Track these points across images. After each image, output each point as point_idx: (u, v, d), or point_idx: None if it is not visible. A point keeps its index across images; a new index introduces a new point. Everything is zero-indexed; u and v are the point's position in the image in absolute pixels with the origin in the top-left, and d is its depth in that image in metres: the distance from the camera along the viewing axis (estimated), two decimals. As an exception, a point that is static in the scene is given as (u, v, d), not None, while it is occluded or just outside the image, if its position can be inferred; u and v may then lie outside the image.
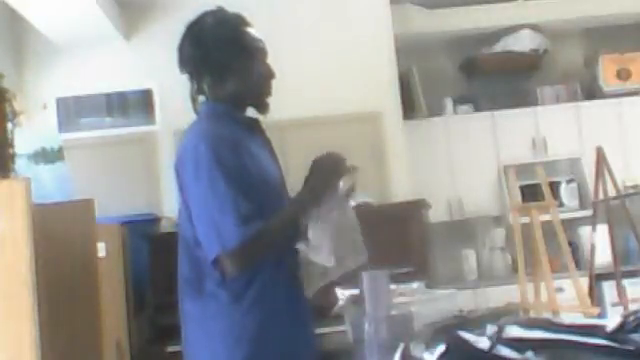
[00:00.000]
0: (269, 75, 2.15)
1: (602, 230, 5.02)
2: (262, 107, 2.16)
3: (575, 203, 5.96)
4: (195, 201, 1.98)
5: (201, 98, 2.14)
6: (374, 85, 5.32)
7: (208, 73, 2.09)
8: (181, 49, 2.12)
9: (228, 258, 1.92)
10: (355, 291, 2.00)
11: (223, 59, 2.07)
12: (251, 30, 2.14)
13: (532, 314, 4.49)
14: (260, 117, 2.19)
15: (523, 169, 5.40)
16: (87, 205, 3.20)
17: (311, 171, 2.07)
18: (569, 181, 6.01)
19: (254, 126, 2.17)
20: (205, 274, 1.98)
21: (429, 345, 1.27)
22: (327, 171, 2.06)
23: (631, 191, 5.52)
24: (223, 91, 2.10)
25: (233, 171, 1.94)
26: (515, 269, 5.07)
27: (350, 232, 2.07)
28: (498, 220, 6.07)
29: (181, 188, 2.03)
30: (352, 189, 2.10)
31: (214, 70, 2.09)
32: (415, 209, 4.79)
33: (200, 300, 2.02)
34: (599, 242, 5.06)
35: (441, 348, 1.21)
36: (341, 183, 2.07)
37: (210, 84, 2.10)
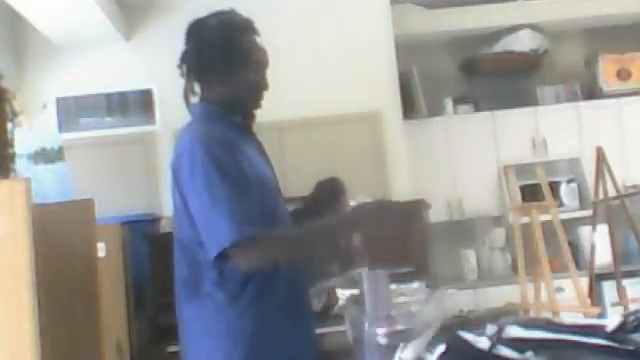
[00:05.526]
0: (260, 86, 2.13)
1: (602, 230, 5.02)
2: (247, 116, 2.16)
3: (575, 203, 5.96)
4: (193, 202, 1.98)
5: (195, 98, 2.14)
6: (374, 85, 5.33)
7: (199, 74, 2.10)
8: (184, 47, 2.13)
9: (232, 254, 1.90)
10: (355, 291, 2.00)
11: (213, 63, 2.07)
12: (251, 38, 2.12)
13: (532, 314, 4.49)
14: (256, 117, 2.19)
15: (523, 169, 5.40)
16: (87, 205, 3.20)
17: (360, 212, 2.03)
18: (569, 181, 6.01)
19: (245, 128, 2.17)
20: (202, 275, 1.98)
21: (429, 345, 1.27)
22: (375, 223, 2.01)
23: (631, 191, 5.52)
24: (213, 94, 2.10)
25: (229, 171, 1.94)
26: (515, 269, 5.07)
27: None
28: (498, 220, 6.07)
29: (178, 189, 2.03)
30: None
31: (205, 72, 2.09)
32: (415, 209, 4.78)
33: (197, 301, 2.02)
34: (599, 242, 5.05)
35: (441, 348, 1.21)
36: None
37: (201, 85, 2.11)
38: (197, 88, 2.12)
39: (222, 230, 1.89)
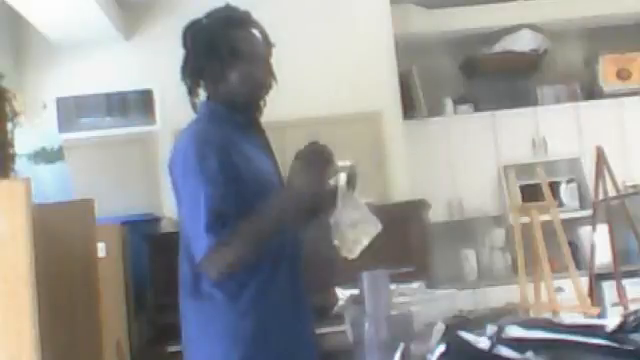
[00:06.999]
0: (257, 79, 2.07)
1: (602, 230, 5.02)
2: (251, 111, 2.13)
3: (575, 203, 5.96)
4: (183, 205, 1.99)
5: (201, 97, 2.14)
6: (374, 85, 5.33)
7: (197, 77, 2.09)
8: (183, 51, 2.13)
9: (204, 263, 1.92)
10: (355, 291, 2.00)
11: (206, 62, 2.05)
12: (242, 32, 2.08)
13: (532, 314, 4.49)
14: (259, 116, 2.18)
15: (523, 169, 5.40)
16: (87, 205, 3.20)
17: (293, 168, 1.97)
18: (569, 181, 6.01)
19: (252, 126, 2.16)
20: (201, 275, 1.98)
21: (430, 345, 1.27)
22: (309, 165, 1.96)
23: (631, 191, 5.52)
24: (214, 93, 2.10)
25: (218, 176, 1.93)
26: (515, 269, 5.07)
27: (356, 216, 2.05)
28: (498, 220, 6.07)
29: (174, 190, 2.04)
30: (352, 182, 2.09)
31: (201, 73, 2.08)
32: (415, 209, 4.78)
33: (197, 300, 2.01)
34: (599, 242, 5.05)
35: (441, 348, 1.21)
36: (341, 177, 2.05)
37: (204, 86, 2.11)
38: (201, 89, 2.12)
39: (200, 239, 1.90)
